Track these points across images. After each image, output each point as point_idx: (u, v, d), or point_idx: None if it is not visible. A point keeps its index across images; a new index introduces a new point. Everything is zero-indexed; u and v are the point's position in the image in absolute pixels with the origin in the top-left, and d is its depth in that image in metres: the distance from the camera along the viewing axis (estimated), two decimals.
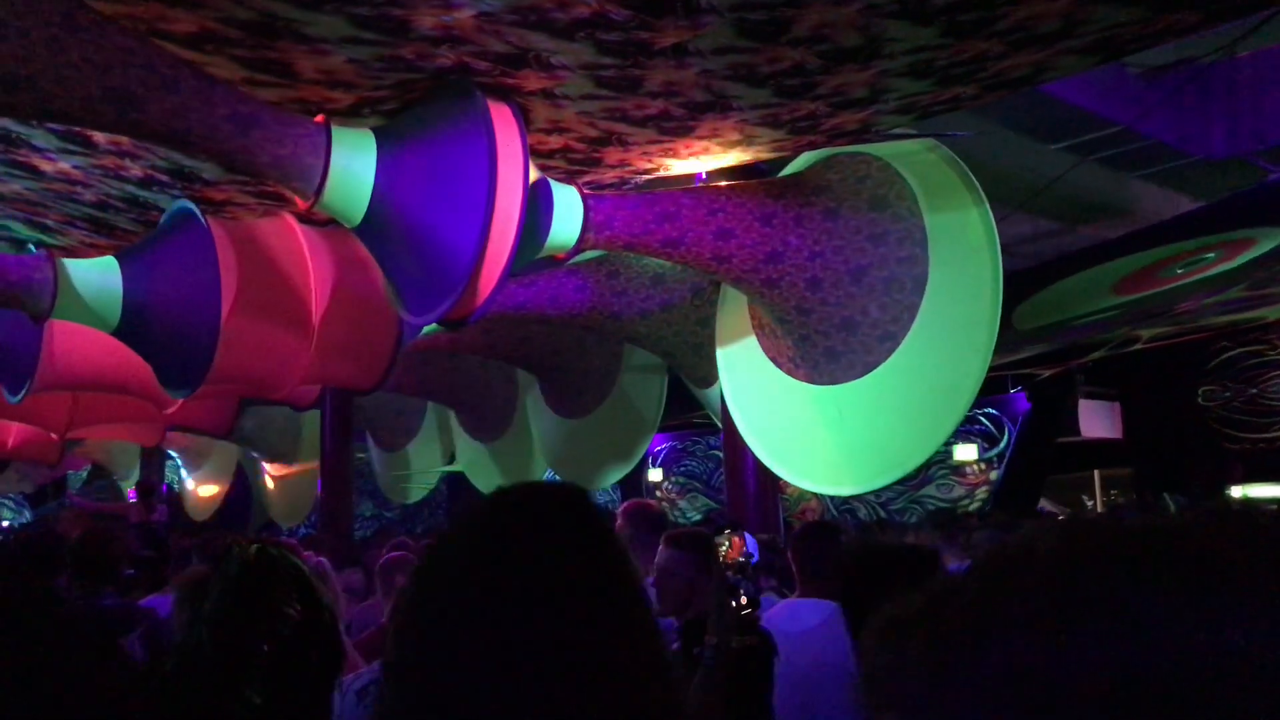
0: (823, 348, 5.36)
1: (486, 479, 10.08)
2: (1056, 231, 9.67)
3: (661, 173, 5.63)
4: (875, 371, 5.18)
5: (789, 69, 4.08)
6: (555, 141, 5.00)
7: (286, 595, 2.19)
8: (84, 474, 15.38)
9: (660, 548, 3.39)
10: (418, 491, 11.51)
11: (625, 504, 4.34)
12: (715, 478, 14.56)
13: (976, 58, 4.06)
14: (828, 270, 5.18)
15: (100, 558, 4.09)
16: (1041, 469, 12.40)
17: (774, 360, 5.72)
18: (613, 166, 5.45)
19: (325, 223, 5.89)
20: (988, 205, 5.08)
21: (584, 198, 4.88)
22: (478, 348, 8.23)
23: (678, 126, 4.81)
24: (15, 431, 9.73)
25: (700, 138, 5.01)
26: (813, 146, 5.39)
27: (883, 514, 12.41)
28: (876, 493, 11.55)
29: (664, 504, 15.43)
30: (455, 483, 13.05)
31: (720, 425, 7.36)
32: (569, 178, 5.34)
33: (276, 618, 2.18)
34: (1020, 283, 6.37)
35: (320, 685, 2.19)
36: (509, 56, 4.00)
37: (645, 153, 5.24)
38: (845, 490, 5.63)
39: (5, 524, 15.79)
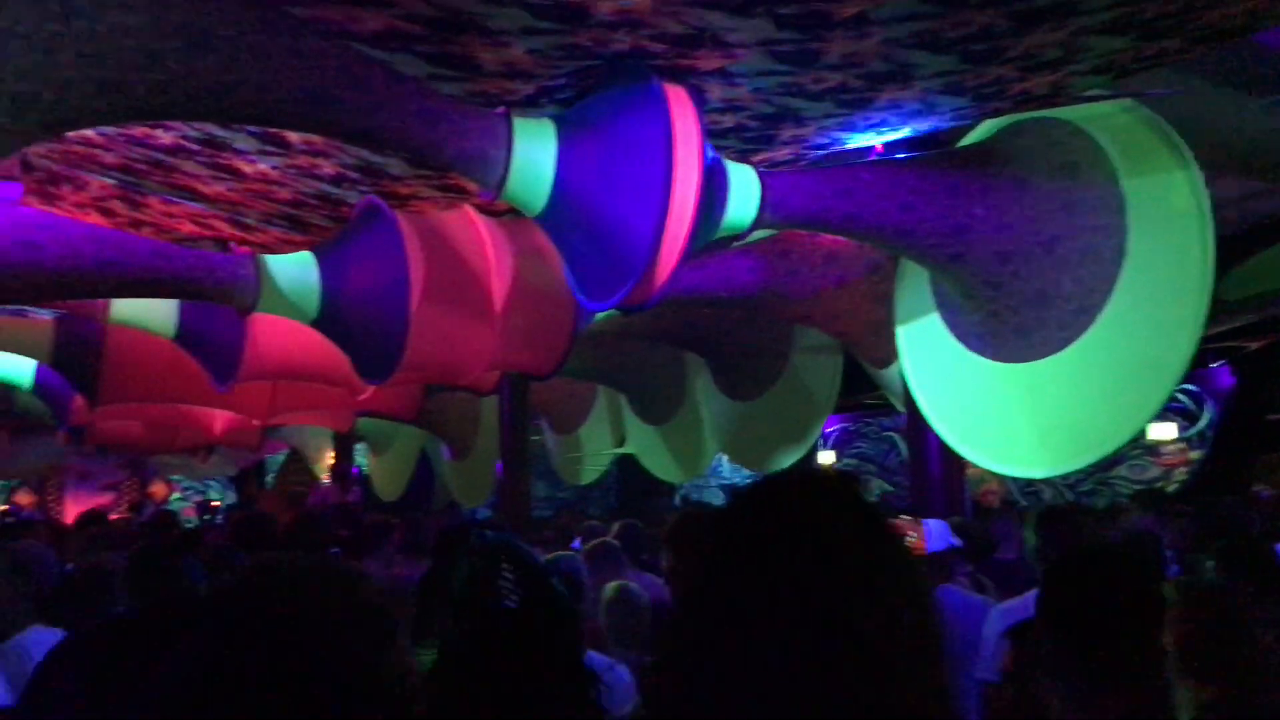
0: (1013, 324, 5.13)
1: (657, 461, 10.16)
2: (1267, 192, 8.95)
3: (836, 147, 5.50)
4: (1071, 347, 4.91)
5: (976, 33, 3.90)
6: (729, 120, 4.95)
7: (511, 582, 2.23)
8: (280, 457, 16.33)
9: None
10: (590, 473, 11.69)
11: None
12: (890, 460, 14.23)
13: (1186, 7, 3.77)
14: (1018, 242, 4.94)
15: (312, 539, 4.31)
16: (1250, 448, 11.55)
17: (959, 337, 5.51)
18: (787, 143, 5.36)
19: (503, 213, 6.03)
20: (1195, 167, 4.73)
21: (760, 176, 4.82)
22: (647, 331, 8.27)
23: (856, 99, 4.68)
24: (222, 419, 10.42)
25: (878, 109, 4.86)
26: (998, 113, 5.15)
27: (1069, 495, 11.85)
28: (1063, 474, 11.03)
29: None
30: (625, 465, 13.22)
31: (899, 407, 7.17)
32: (742, 156, 5.28)
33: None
34: (1230, 248, 5.92)
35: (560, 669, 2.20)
36: (685, 37, 3.97)
37: (821, 128, 5.12)
38: (1039, 473, 5.38)
39: (215, 503, 16.96)
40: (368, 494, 13.06)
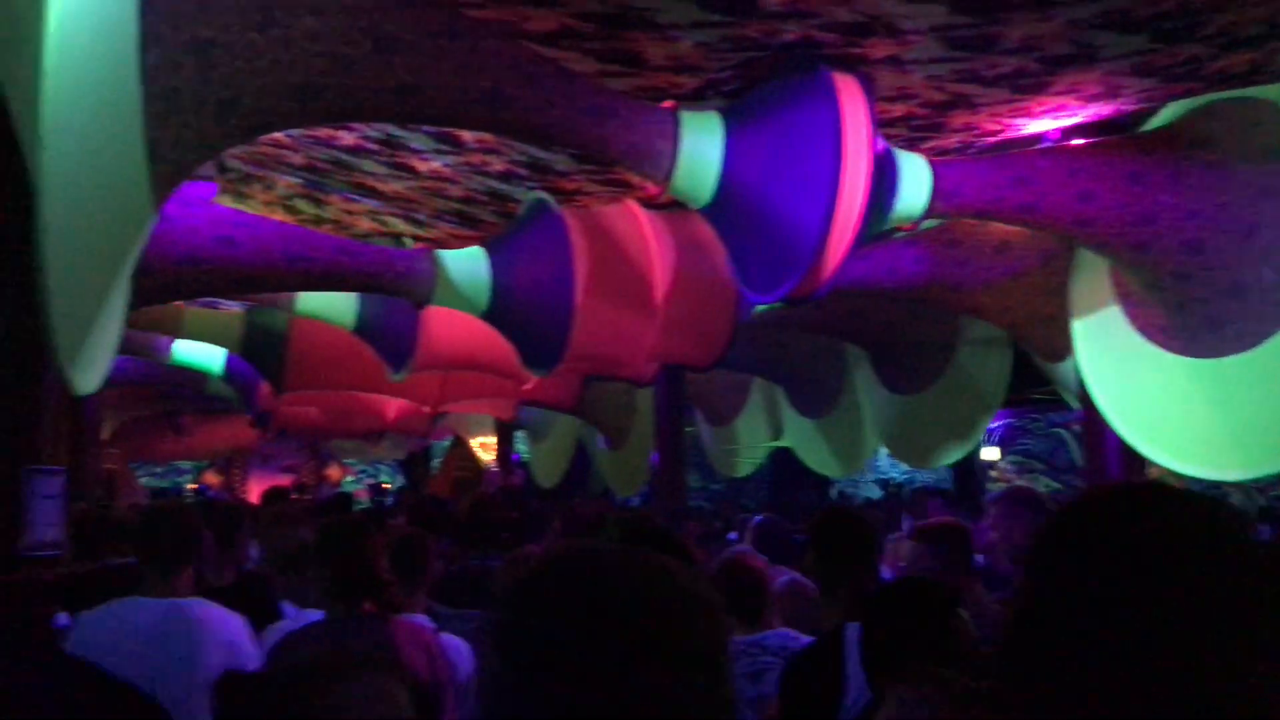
0: (1202, 316, 4.84)
1: (815, 455, 10.04)
2: None
3: (1009, 134, 5.30)
4: (1269, 342, 4.60)
5: (1172, 10, 3.69)
6: (898, 109, 4.85)
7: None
8: (445, 443, 16.95)
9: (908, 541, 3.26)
10: (746, 466, 11.66)
11: (1012, 490, 4.15)
12: (1058, 457, 13.67)
13: None
14: (1210, 230, 4.65)
15: (486, 522, 4.46)
16: None
17: (1142, 331, 5.23)
18: (957, 131, 5.20)
19: (665, 206, 6.08)
20: None
21: (931, 165, 4.70)
22: (807, 323, 8.18)
23: (1033, 84, 4.50)
24: (394, 406, 10.89)
25: (1057, 94, 4.66)
26: (1189, 94, 4.86)
27: (1260, 501, 11.11)
28: (1256, 478, 10.35)
29: (1000, 484, 14.70)
30: (778, 457, 13.13)
31: (1072, 403, 6.88)
32: (910, 145, 5.16)
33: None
34: None
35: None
36: (856, 26, 3.91)
37: (994, 114, 4.95)
38: (1230, 476, 5.06)
39: (385, 485, 17.73)
40: (528, 480, 13.42)
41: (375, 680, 1.77)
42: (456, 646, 3.33)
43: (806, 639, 3.65)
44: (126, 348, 7.29)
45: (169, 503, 6.25)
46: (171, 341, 8.56)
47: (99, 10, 2.93)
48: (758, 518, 5.88)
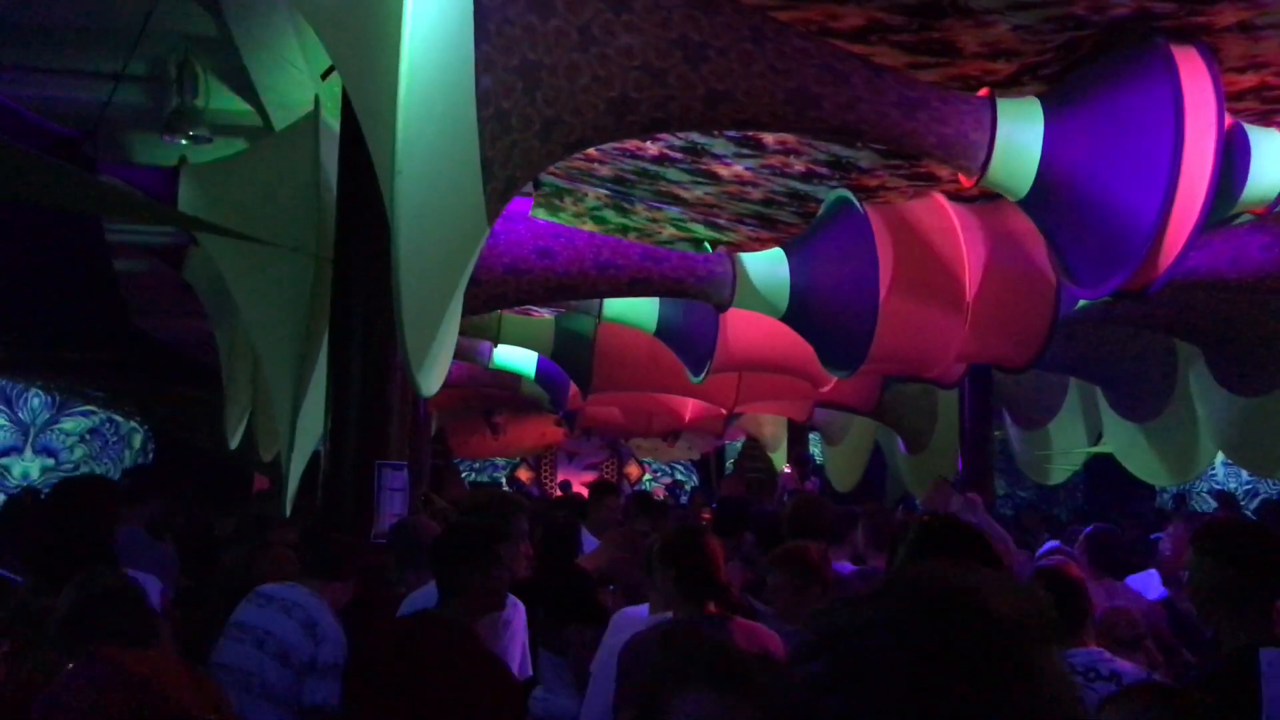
0: None
1: (1141, 462, 9.26)
2: None
3: None
4: None
5: None
6: (1248, 80, 4.36)
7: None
8: (738, 444, 17.12)
9: None
10: (1060, 473, 10.95)
11: None
12: None
13: None
14: None
15: (813, 522, 4.45)
16: None
17: None
18: None
19: (975, 198, 5.81)
20: None
21: None
22: (1133, 317, 7.54)
23: None
24: (692, 406, 11.13)
25: None
26: None
27: None
28: None
29: None
30: (1095, 463, 12.23)
31: None
32: (1263, 119, 4.63)
33: None
34: None
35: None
36: None
37: None
38: None
39: (681, 481, 18.19)
40: (825, 483, 13.29)
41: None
42: (775, 641, 3.33)
43: (1121, 663, 3.34)
44: (455, 353, 7.91)
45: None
46: (492, 346, 9.19)
47: (441, 42, 3.19)
48: (1089, 528, 5.48)
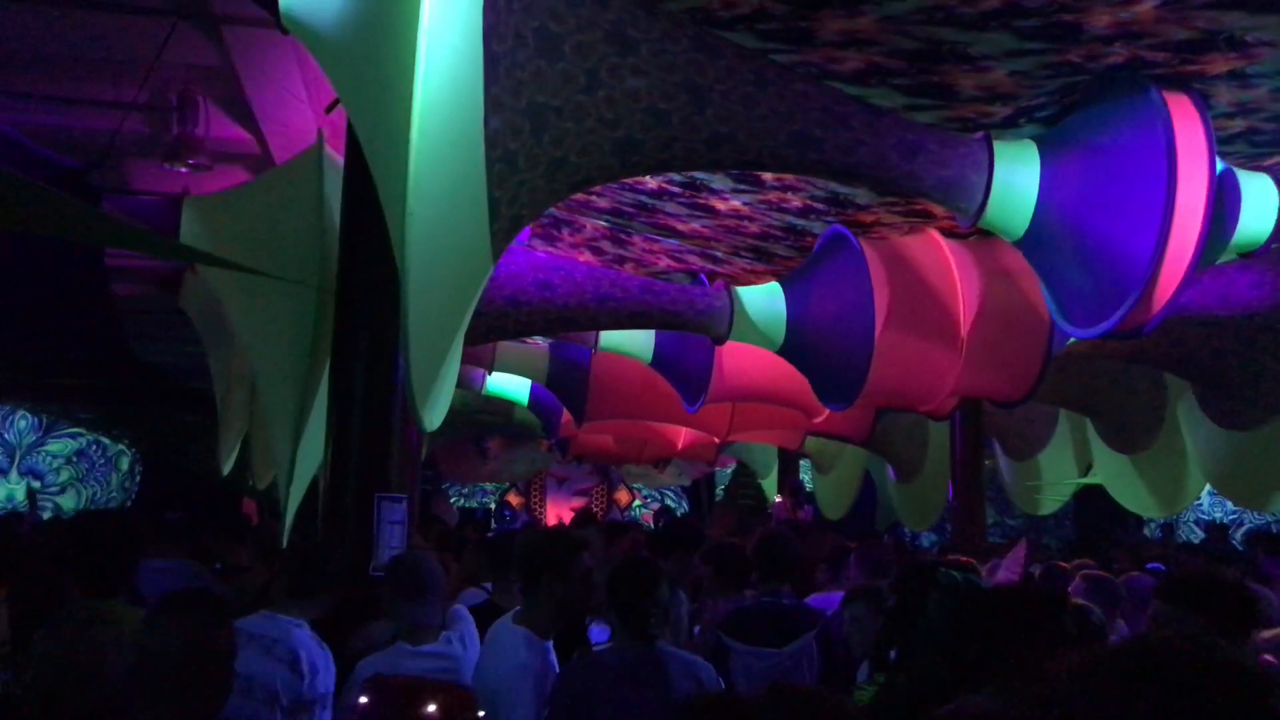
0: None
1: (1130, 494, 9.30)
2: None
3: None
4: None
5: None
6: (1237, 125, 4.46)
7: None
8: (729, 471, 17.14)
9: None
10: (1050, 504, 11.00)
11: None
12: None
13: None
14: None
15: (781, 557, 4.47)
16: None
17: None
18: None
19: (968, 234, 5.89)
20: None
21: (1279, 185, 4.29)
22: (1123, 352, 7.62)
23: None
24: (684, 435, 11.16)
25: None
26: None
27: None
28: None
29: None
30: (1085, 495, 12.29)
31: None
32: (1250, 162, 4.73)
33: None
34: None
35: None
36: (1192, 43, 3.64)
37: None
38: None
39: (671, 508, 18.16)
40: (817, 512, 13.30)
41: None
42: (708, 670, 3.44)
43: None
44: None
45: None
46: (485, 374, 9.22)
47: (453, 86, 3.24)
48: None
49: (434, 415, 3.81)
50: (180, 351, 10.63)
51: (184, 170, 6.92)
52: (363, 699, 2.55)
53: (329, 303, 4.82)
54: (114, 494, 17.65)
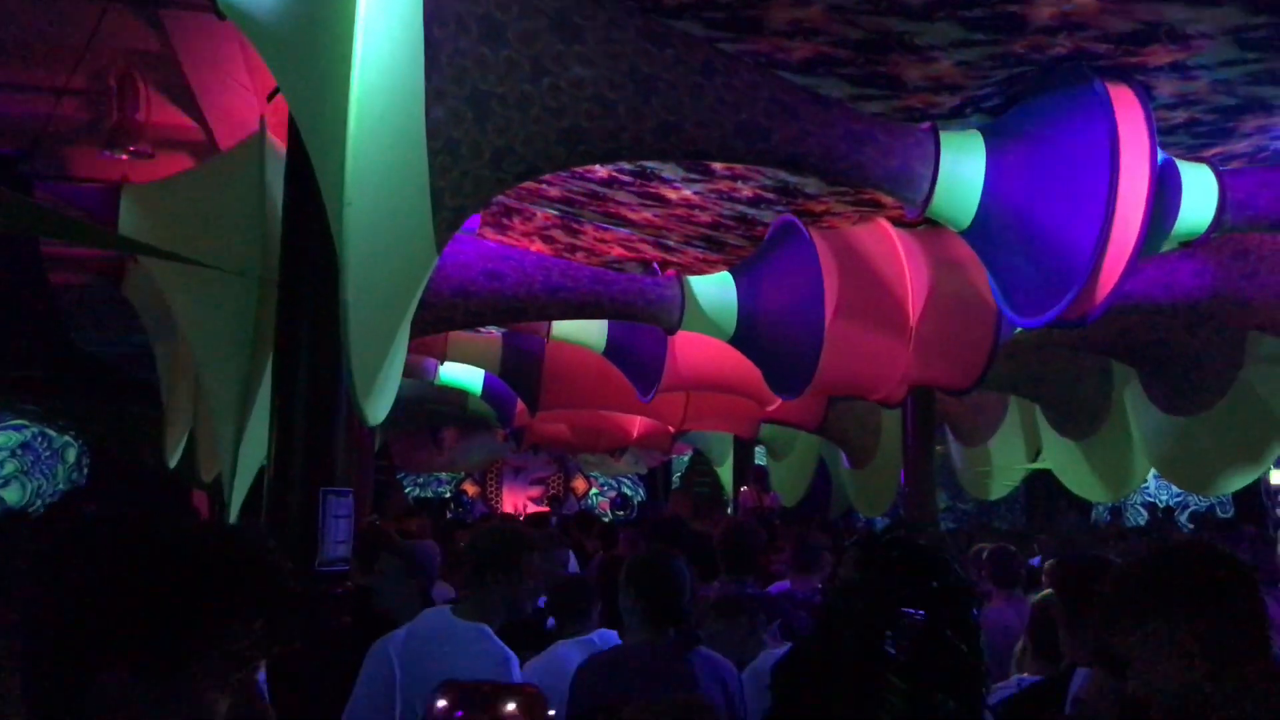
0: None
1: (1077, 479, 9.45)
2: None
3: None
4: None
5: None
6: (1179, 116, 4.51)
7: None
8: (686, 458, 17.18)
9: None
10: (1000, 488, 11.13)
11: None
12: None
13: None
14: None
15: (746, 549, 4.47)
16: None
17: None
18: (1249, 135, 4.78)
19: (918, 224, 5.91)
20: None
21: (1218, 176, 4.34)
22: (1070, 340, 7.71)
23: None
24: (639, 424, 11.16)
25: None
26: None
27: None
28: None
29: None
30: (1035, 479, 12.46)
31: None
32: (1192, 153, 4.79)
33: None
34: None
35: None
36: (1134, 34, 3.67)
37: None
38: None
39: (628, 495, 18.18)
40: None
41: None
42: (732, 673, 3.34)
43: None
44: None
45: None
46: (438, 364, 9.13)
47: (392, 73, 3.17)
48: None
49: (377, 409, 3.75)
50: (128, 341, 10.42)
51: (124, 157, 6.76)
52: (441, 702, 2.49)
53: (271, 293, 4.72)
54: (60, 486, 17.30)
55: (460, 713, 2.57)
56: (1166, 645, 1.55)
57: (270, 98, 5.42)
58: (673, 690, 2.84)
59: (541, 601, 4.56)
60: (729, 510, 12.99)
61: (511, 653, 3.21)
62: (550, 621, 4.47)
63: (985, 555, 5.78)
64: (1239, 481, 7.87)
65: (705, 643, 3.34)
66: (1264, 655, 1.56)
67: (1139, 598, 1.60)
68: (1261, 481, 12.77)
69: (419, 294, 3.75)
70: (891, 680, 2.02)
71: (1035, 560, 7.36)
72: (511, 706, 2.46)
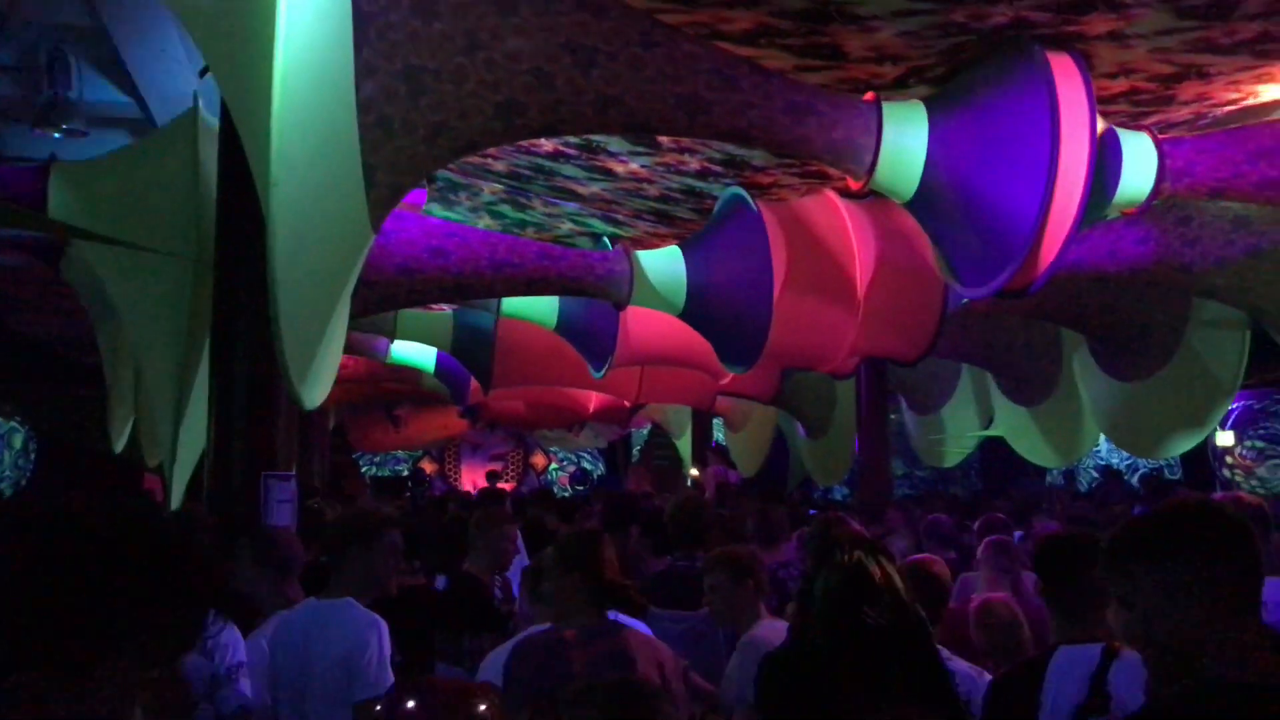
0: None
1: (1029, 444, 9.57)
2: None
3: (1249, 101, 4.85)
4: None
5: None
6: (1119, 85, 4.51)
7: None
8: (645, 432, 17.18)
9: None
10: (954, 456, 11.25)
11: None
12: None
13: None
14: None
15: (695, 524, 4.46)
16: None
17: None
18: (1187, 103, 4.80)
19: (864, 195, 5.91)
20: None
21: (1157, 144, 4.36)
22: (1019, 308, 7.77)
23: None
24: (595, 399, 11.12)
25: None
26: None
27: None
28: None
29: (1236, 472, 13.59)
30: (990, 446, 12.59)
31: None
32: (1132, 121, 4.80)
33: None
34: None
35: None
36: (1073, 3, 3.66)
37: (1232, 82, 4.54)
38: None
39: (588, 470, 18.17)
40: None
41: None
42: (669, 654, 3.31)
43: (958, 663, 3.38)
44: (348, 347, 7.75)
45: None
46: (389, 341, 9.02)
47: (318, 48, 3.09)
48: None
49: (314, 392, 3.68)
50: (71, 323, 10.19)
51: (58, 136, 6.58)
52: (410, 703, 2.43)
53: (207, 275, 4.62)
54: (7, 473, 16.97)
55: (425, 710, 2.53)
56: (1176, 588, 1.66)
57: (202, 74, 5.28)
58: (609, 672, 2.81)
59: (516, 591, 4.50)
60: (689, 484, 13.01)
61: (379, 618, 3.21)
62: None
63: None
64: (1185, 444, 7.99)
65: None
66: (1254, 612, 1.67)
67: (1155, 542, 1.73)
68: (1208, 443, 13.02)
69: (356, 273, 3.67)
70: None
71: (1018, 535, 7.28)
72: (483, 708, 2.43)
